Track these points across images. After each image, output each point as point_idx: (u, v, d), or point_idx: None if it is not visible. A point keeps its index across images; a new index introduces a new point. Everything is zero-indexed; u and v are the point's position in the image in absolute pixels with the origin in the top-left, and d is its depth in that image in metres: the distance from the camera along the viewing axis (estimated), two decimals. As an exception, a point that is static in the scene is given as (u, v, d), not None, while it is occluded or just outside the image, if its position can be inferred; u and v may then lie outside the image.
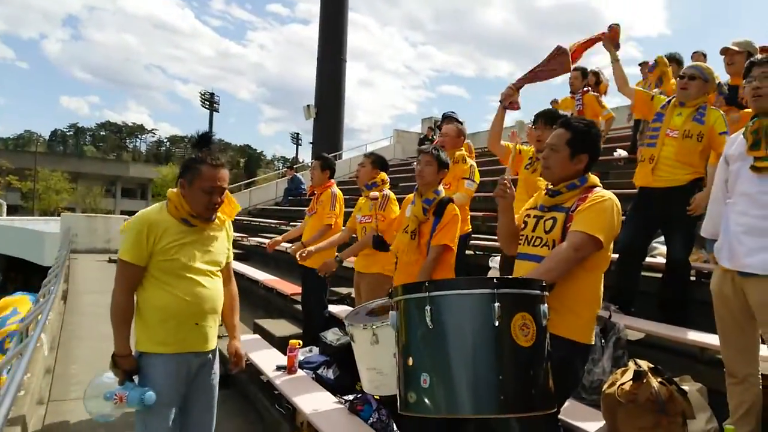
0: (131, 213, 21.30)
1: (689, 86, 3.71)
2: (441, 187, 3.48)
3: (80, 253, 16.01)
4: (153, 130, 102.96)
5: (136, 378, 2.46)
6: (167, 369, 2.44)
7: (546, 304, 1.91)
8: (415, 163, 3.62)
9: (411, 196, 3.55)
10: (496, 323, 1.74)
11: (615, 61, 3.97)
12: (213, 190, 2.42)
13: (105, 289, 10.28)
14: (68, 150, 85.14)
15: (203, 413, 2.59)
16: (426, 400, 1.75)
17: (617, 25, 3.77)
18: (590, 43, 3.72)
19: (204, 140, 2.53)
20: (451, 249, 3.34)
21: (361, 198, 4.61)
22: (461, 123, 5.03)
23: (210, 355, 2.60)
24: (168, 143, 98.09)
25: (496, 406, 1.71)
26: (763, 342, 2.64)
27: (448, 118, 4.91)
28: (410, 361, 1.83)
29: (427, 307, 1.78)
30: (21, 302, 6.54)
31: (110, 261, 14.86)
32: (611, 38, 3.76)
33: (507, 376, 1.73)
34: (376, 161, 4.58)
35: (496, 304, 1.75)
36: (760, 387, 2.62)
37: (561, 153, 2.32)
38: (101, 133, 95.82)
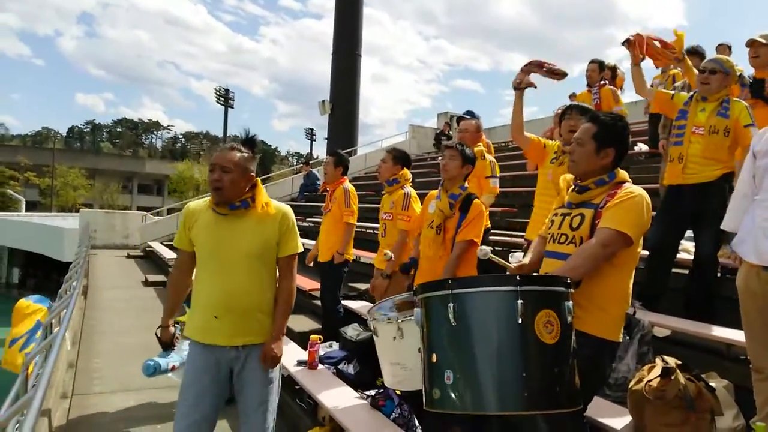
0: (148, 209, 21.61)
1: (710, 80, 3.66)
2: (467, 183, 3.47)
3: (99, 248, 16.20)
4: (168, 126, 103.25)
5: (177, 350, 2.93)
6: (193, 354, 2.57)
7: (571, 301, 1.90)
8: (440, 158, 3.61)
9: (435, 192, 3.54)
10: (520, 320, 1.74)
11: (636, 65, 3.98)
12: (213, 168, 2.48)
13: (124, 284, 10.52)
14: (85, 146, 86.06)
15: (250, 411, 2.55)
16: (450, 397, 1.76)
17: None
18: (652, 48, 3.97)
19: (249, 141, 2.61)
20: (477, 245, 3.33)
21: (384, 195, 4.61)
22: (479, 119, 5.01)
23: (241, 351, 2.52)
24: (183, 139, 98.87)
25: (521, 402, 1.72)
26: None
27: (470, 114, 4.88)
28: (434, 358, 1.83)
29: (451, 305, 1.79)
30: (40, 313, 6.61)
31: (129, 257, 15.05)
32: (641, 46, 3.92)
33: (531, 373, 1.73)
34: (398, 157, 4.55)
35: (520, 302, 1.75)
36: None
37: (587, 147, 2.29)
38: (117, 129, 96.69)
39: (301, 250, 2.65)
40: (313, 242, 5.59)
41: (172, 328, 2.78)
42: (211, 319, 2.48)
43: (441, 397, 1.78)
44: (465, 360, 1.76)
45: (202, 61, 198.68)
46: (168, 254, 11.66)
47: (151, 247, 14.71)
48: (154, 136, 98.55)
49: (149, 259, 14.58)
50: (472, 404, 1.74)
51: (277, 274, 2.65)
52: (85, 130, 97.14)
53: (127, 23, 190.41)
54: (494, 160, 4.76)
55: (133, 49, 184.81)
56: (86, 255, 11.83)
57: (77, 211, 27.91)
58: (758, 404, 2.63)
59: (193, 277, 2.63)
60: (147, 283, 10.58)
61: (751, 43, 4.06)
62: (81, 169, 48.88)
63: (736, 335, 3.09)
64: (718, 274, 3.93)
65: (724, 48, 6.63)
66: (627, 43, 3.95)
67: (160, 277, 10.77)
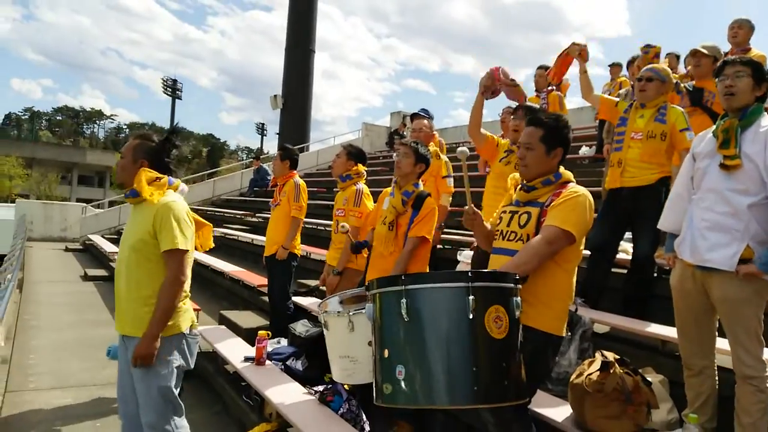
0: (88, 201, 20.81)
1: (647, 88, 3.85)
2: (420, 182, 3.51)
3: (36, 241, 15.50)
4: (112, 115, 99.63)
5: None
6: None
7: (519, 297, 1.95)
8: (394, 156, 3.66)
9: (389, 189, 3.56)
10: (471, 316, 1.77)
11: (583, 72, 4.20)
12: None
13: (62, 278, 10.12)
14: (23, 135, 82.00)
15: (140, 406, 2.58)
16: (401, 392, 1.77)
17: (584, 45, 4.21)
18: (565, 63, 4.12)
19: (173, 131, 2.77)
20: (428, 242, 3.38)
21: (338, 192, 4.60)
22: (432, 119, 5.08)
23: (126, 341, 2.59)
24: (128, 130, 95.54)
25: (471, 396, 1.75)
26: (721, 335, 2.74)
27: (424, 112, 4.93)
28: (386, 353, 1.85)
29: (404, 300, 1.81)
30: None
31: (67, 250, 14.45)
32: (582, 56, 4.18)
33: (481, 367, 1.76)
34: (352, 153, 4.56)
35: (471, 297, 1.78)
36: (716, 379, 2.73)
37: (537, 150, 2.36)
38: (57, 117, 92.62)
39: (179, 246, 2.49)
40: (263, 238, 5.52)
41: None
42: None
43: (392, 392, 1.79)
44: (417, 355, 1.78)
45: (147, 49, 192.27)
46: (110, 248, 11.26)
47: (91, 240, 14.18)
48: (96, 125, 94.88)
49: (89, 253, 14.04)
50: (423, 398, 1.77)
51: None
52: (23, 117, 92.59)
53: (67, 7, 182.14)
54: (448, 159, 4.83)
55: (74, 34, 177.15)
56: (22, 247, 11.30)
57: (13, 201, 26.61)
58: (689, 398, 2.78)
59: None
60: (86, 278, 10.19)
61: (694, 53, 4.26)
62: (18, 158, 46.58)
63: (671, 332, 3.23)
64: (655, 274, 4.11)
65: (672, 57, 6.94)
66: (578, 54, 4.16)
67: (101, 272, 10.39)
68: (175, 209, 2.53)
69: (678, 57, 6.94)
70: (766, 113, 2.63)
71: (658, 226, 3.03)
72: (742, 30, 5.13)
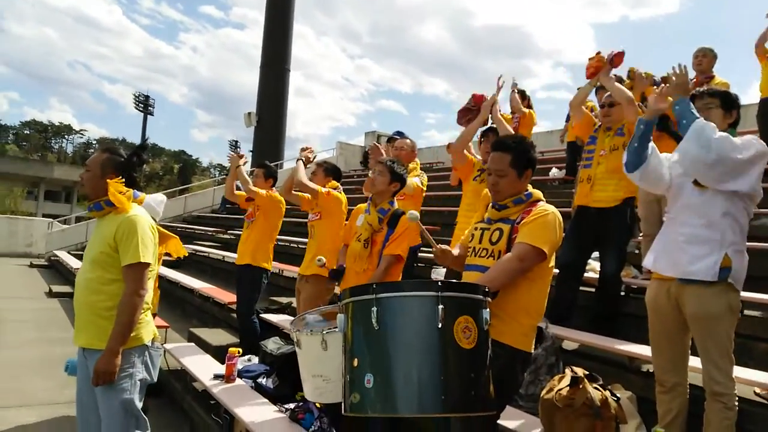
0: (54, 216, 20.37)
1: (611, 113, 4.03)
2: (395, 200, 3.53)
3: (-1, 256, 15.09)
4: (81, 130, 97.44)
5: None
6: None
7: (488, 310, 1.96)
8: (369, 173, 3.69)
9: (363, 205, 3.57)
10: (440, 325, 1.77)
11: (593, 84, 4.27)
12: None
13: (25, 295, 9.85)
14: (-12, 148, 79.97)
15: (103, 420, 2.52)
16: (369, 400, 1.76)
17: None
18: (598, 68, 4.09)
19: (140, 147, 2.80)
20: (402, 260, 3.39)
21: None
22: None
23: (85, 354, 2.55)
24: (97, 145, 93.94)
25: (439, 405, 1.74)
26: (693, 353, 2.81)
27: (400, 135, 5.03)
28: (355, 362, 1.84)
29: (374, 308, 1.80)
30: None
31: (32, 266, 14.09)
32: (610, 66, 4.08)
33: (449, 376, 1.76)
34: (329, 169, 4.61)
35: (440, 307, 1.78)
36: (687, 396, 2.78)
37: (509, 176, 2.39)
38: (25, 131, 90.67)
39: (141, 260, 2.47)
40: (234, 255, 5.46)
41: None
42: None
43: (360, 401, 1.78)
44: (386, 363, 1.77)
45: (116, 64, 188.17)
46: (76, 264, 11.01)
47: (57, 256, 13.84)
48: (64, 140, 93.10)
49: (54, 269, 13.70)
50: (391, 407, 1.75)
51: None
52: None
53: (35, 19, 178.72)
54: (425, 175, 4.90)
55: (40, 46, 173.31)
56: (-17, 262, 10.98)
57: (-25, 216, 25.83)
58: (660, 414, 2.81)
59: None
60: (51, 294, 9.94)
61: (664, 80, 4.41)
62: (-19, 171, 45.37)
63: (639, 349, 3.30)
64: (622, 293, 4.20)
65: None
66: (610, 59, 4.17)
67: (66, 288, 10.13)
68: (138, 223, 2.52)
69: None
70: (737, 139, 2.72)
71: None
72: (706, 58, 5.35)
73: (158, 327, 2.81)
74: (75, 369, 2.71)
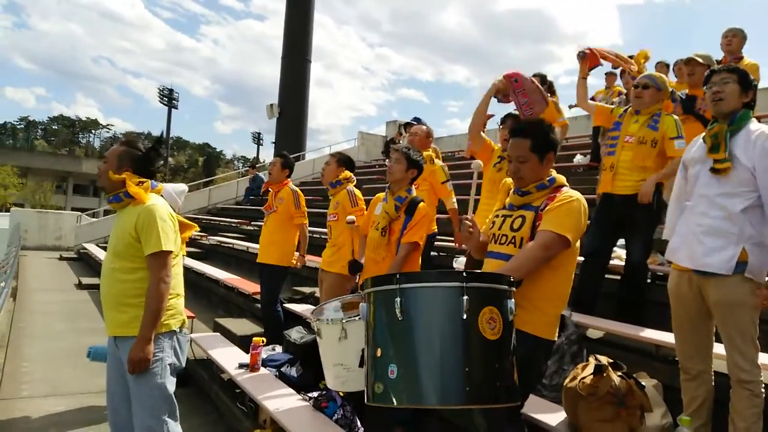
0: (83, 210, 20.71)
1: (643, 95, 3.88)
2: (413, 187, 3.52)
3: (30, 249, 15.44)
4: (108, 125, 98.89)
5: None
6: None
7: (513, 300, 1.94)
8: (387, 162, 3.66)
9: (381, 194, 3.57)
10: (464, 316, 1.76)
11: (584, 78, 4.22)
12: None
13: (56, 287, 10.08)
14: (18, 144, 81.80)
15: (134, 410, 2.56)
16: (393, 391, 1.75)
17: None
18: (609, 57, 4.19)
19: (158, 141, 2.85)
20: (420, 247, 3.39)
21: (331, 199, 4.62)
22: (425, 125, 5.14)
23: (116, 342, 2.59)
24: (123, 139, 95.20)
25: (462, 396, 1.73)
26: (717, 340, 2.75)
27: (417, 120, 4.99)
28: (378, 353, 1.83)
29: (398, 299, 1.79)
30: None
31: (61, 258, 14.40)
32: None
33: (473, 367, 1.75)
34: (342, 160, 4.62)
35: (465, 297, 1.77)
36: (713, 383, 2.74)
37: (531, 161, 2.34)
38: (53, 127, 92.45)
39: (164, 248, 2.51)
40: (258, 245, 5.50)
41: None
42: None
43: (383, 392, 1.78)
44: (410, 354, 1.76)
45: (140, 57, 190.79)
46: (104, 256, 11.22)
47: (86, 249, 14.13)
48: (92, 134, 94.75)
49: (83, 262, 13.99)
50: (415, 398, 1.75)
51: None
52: (18, 126, 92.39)
53: (59, 15, 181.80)
54: (443, 164, 4.86)
55: (66, 42, 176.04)
56: (16, 256, 11.25)
57: (7, 210, 26.51)
58: (685, 402, 2.77)
59: None
60: (81, 286, 10.15)
61: (688, 62, 4.31)
62: (13, 167, 46.47)
63: (665, 337, 3.24)
64: (648, 280, 4.12)
65: (662, 66, 7.02)
66: (582, 56, 4.16)
67: (95, 280, 10.33)
68: (157, 211, 2.56)
69: (668, 66, 7.01)
70: (754, 119, 2.66)
71: (663, 237, 3.04)
72: (735, 38, 5.19)
73: (185, 317, 2.83)
74: (97, 354, 2.78)
